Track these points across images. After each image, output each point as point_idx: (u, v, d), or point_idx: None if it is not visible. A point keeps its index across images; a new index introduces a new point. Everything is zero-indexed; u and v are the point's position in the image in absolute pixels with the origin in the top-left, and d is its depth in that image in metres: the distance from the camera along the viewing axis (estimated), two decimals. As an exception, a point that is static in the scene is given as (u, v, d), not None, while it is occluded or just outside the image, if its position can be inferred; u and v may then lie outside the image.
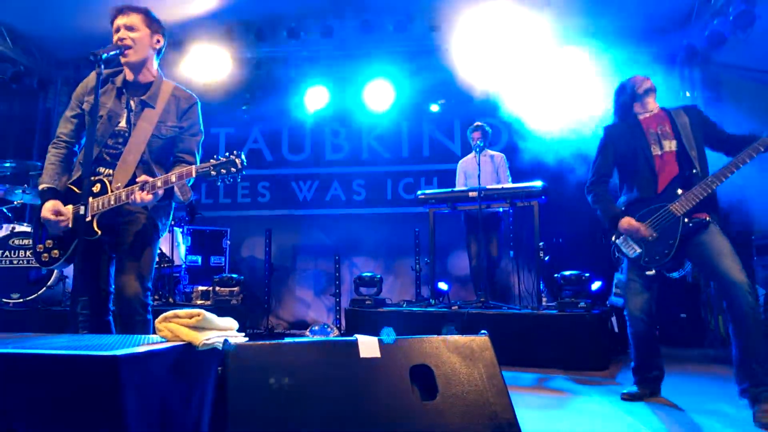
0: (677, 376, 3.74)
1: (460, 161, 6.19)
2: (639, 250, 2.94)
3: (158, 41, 2.69)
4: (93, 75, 2.67)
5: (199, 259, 6.88)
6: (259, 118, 8.00)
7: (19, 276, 5.08)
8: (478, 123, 6.13)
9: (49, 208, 2.47)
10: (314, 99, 7.80)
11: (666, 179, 2.94)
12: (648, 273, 2.93)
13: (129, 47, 2.56)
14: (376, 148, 7.98)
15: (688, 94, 7.08)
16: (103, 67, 2.44)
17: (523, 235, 5.92)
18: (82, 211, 2.32)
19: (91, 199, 2.45)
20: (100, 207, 2.45)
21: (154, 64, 2.71)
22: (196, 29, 7.64)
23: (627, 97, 3.23)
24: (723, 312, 6.13)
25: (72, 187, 2.58)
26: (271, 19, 7.64)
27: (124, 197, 2.41)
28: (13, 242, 5.13)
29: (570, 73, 7.17)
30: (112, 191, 2.46)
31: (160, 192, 2.40)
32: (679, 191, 2.86)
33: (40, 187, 2.56)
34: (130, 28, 2.58)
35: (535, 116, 7.21)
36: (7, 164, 5.68)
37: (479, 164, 5.42)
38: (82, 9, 6.73)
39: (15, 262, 5.09)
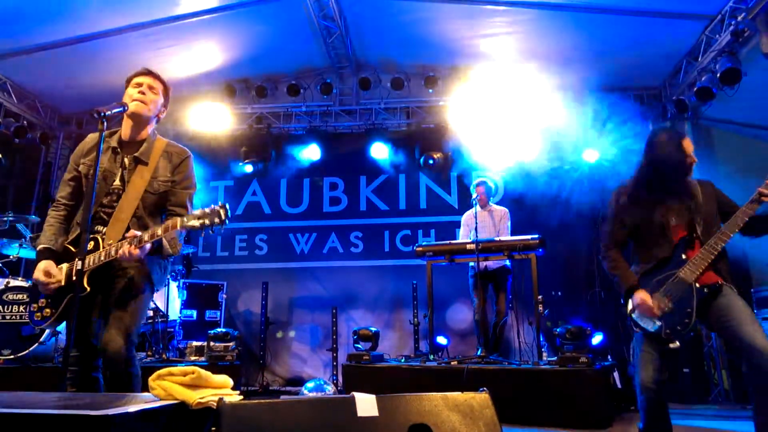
0: (683, 434, 3.65)
1: (464, 215, 6.20)
2: (659, 323, 2.82)
3: (163, 111, 2.83)
4: (89, 137, 2.78)
5: (194, 313, 6.80)
6: (257, 172, 8.09)
7: (12, 331, 4.98)
8: (482, 178, 6.19)
9: (41, 269, 2.49)
10: (312, 153, 7.93)
11: (677, 245, 2.86)
12: (672, 346, 2.76)
13: (144, 102, 2.66)
14: (373, 200, 8.04)
15: (680, 148, 7.18)
16: (106, 124, 2.50)
17: (521, 288, 5.89)
18: (78, 265, 2.33)
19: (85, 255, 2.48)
20: (91, 263, 2.45)
21: (151, 127, 2.80)
22: (198, 86, 7.85)
23: (668, 171, 2.95)
24: (726, 366, 6.04)
25: (69, 246, 2.60)
26: (271, 77, 7.87)
27: (113, 253, 2.42)
28: (6, 297, 5.06)
29: (565, 129, 7.34)
30: (103, 248, 2.48)
31: (148, 246, 2.41)
32: (684, 256, 2.79)
33: (38, 247, 2.58)
34: (152, 88, 2.71)
35: (532, 171, 7.33)
36: (5, 218, 5.68)
37: (476, 217, 5.45)
38: (86, 67, 6.93)
39: (8, 317, 5.02)
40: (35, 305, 2.59)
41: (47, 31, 6.24)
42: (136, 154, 2.67)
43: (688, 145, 3.00)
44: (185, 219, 2.38)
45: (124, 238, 2.48)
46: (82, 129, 8.41)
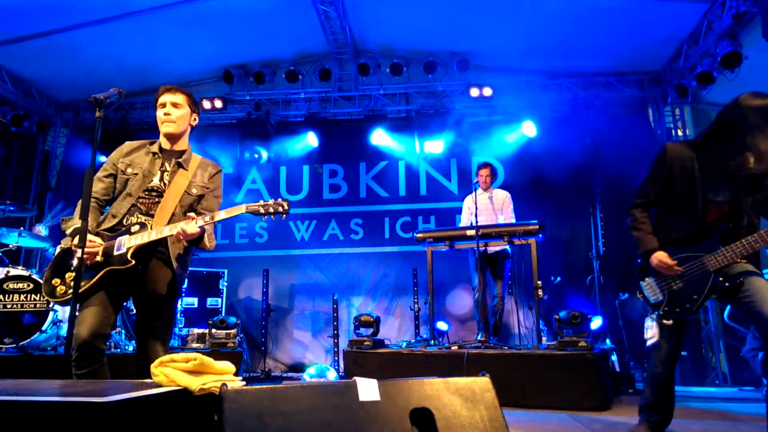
0: (682, 415, 3.67)
1: (466, 199, 6.18)
2: (660, 297, 2.80)
3: (195, 119, 3.02)
4: (127, 144, 2.97)
5: (196, 301, 6.81)
6: (257, 159, 8.06)
7: (13, 320, 5.00)
8: (486, 161, 6.15)
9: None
10: (312, 139, 7.91)
11: (711, 226, 2.73)
12: (665, 322, 2.78)
13: (172, 122, 2.87)
14: (373, 187, 8.02)
15: (680, 133, 7.19)
16: (102, 111, 2.55)
17: (521, 273, 5.91)
18: (79, 254, 2.37)
19: (128, 236, 2.64)
20: (140, 240, 2.62)
21: (187, 137, 3.02)
22: (196, 72, 7.81)
23: (734, 128, 2.60)
24: (723, 349, 6.07)
25: (104, 233, 2.71)
26: (269, 63, 7.82)
27: (166, 231, 2.62)
28: (7, 286, 5.07)
29: (565, 114, 7.32)
30: (152, 228, 2.67)
31: (200, 228, 2.61)
32: (721, 246, 2.66)
33: (69, 230, 2.67)
34: (175, 105, 2.89)
35: (532, 156, 7.31)
36: (3, 207, 5.68)
37: (476, 202, 5.45)
38: (82, 54, 6.88)
39: (9, 306, 5.03)
40: (57, 280, 2.65)
41: (43, 19, 6.18)
42: (179, 160, 2.90)
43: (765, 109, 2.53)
44: (250, 205, 2.68)
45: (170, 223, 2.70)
46: (79, 116, 8.37)
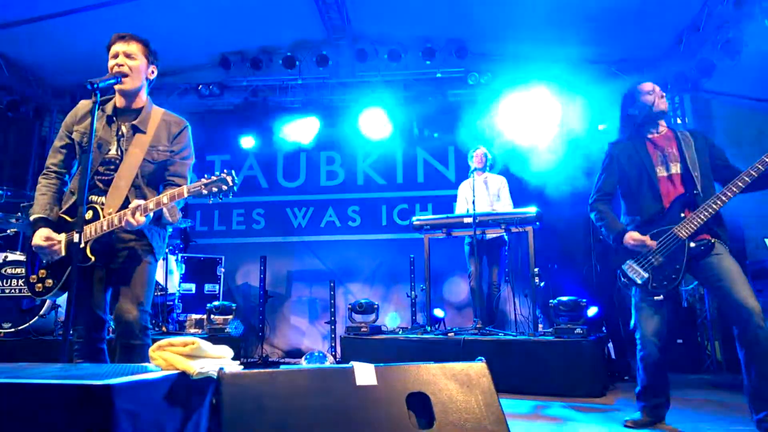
0: (678, 403, 3.71)
1: (461, 185, 6.19)
2: (646, 275, 2.86)
3: (153, 72, 2.72)
4: (82, 104, 2.72)
5: (193, 287, 6.83)
6: (254, 145, 8.04)
7: (12, 305, 5.02)
8: (480, 146, 6.16)
9: (40, 236, 2.45)
10: (309, 126, 7.87)
11: (669, 201, 2.89)
12: (656, 298, 2.86)
13: (126, 75, 2.57)
14: (370, 174, 8.01)
15: (679, 121, 7.17)
16: (99, 95, 2.46)
17: (518, 260, 5.93)
18: (76, 238, 2.29)
19: (84, 225, 2.45)
20: (93, 233, 2.43)
21: (145, 92, 2.73)
22: (192, 57, 7.75)
23: (639, 117, 3.13)
24: (719, 337, 6.11)
25: (64, 216, 2.56)
26: (266, 49, 7.76)
27: (116, 221, 2.40)
28: (5, 271, 5.08)
29: (562, 102, 7.28)
30: (104, 217, 2.46)
31: (151, 214, 2.41)
32: (683, 214, 2.82)
33: (32, 217, 2.53)
34: (129, 56, 2.59)
35: (529, 143, 7.29)
36: (1, 192, 5.66)
37: (473, 188, 5.44)
38: (77, 38, 6.80)
39: (7, 291, 5.04)
40: (34, 276, 2.56)
41: (39, 4, 6.12)
42: (134, 122, 2.62)
43: (646, 85, 3.17)
44: (191, 186, 2.40)
45: (124, 206, 2.46)
46: (76, 101, 8.25)
